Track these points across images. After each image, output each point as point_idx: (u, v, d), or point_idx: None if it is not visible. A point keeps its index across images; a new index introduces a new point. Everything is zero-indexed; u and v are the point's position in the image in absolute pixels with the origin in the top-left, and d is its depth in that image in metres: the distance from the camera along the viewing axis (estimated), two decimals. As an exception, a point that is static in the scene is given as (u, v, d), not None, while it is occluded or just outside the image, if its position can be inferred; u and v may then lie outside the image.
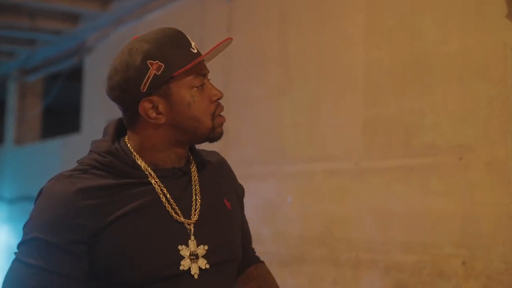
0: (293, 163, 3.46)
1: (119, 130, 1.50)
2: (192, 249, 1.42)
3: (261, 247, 3.56)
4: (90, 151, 1.47)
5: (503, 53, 2.61)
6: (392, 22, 3.04)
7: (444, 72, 2.82)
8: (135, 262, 1.37)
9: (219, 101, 1.49)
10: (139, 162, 1.45)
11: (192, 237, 1.43)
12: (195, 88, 1.44)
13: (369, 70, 3.13)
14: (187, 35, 1.48)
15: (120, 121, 1.51)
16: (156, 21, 4.71)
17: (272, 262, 3.46)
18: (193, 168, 1.52)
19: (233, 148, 3.80)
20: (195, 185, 1.50)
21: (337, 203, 3.21)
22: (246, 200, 3.87)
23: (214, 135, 1.48)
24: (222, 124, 1.49)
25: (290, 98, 3.52)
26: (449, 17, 2.83)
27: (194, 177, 1.51)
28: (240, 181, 4.01)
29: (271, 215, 3.55)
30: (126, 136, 1.49)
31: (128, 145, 1.47)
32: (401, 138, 2.96)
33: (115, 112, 1.53)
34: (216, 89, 1.48)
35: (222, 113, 1.50)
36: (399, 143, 2.96)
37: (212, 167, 1.58)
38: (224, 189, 1.59)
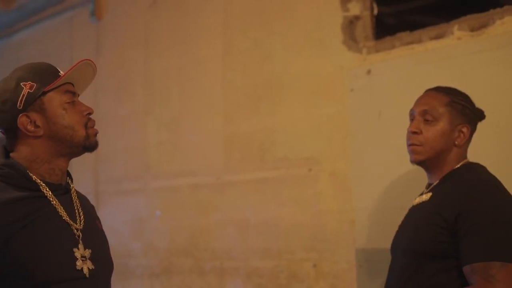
0: (159, 179, 3.63)
1: (6, 152, 1.70)
2: (82, 251, 1.63)
3: (133, 261, 3.74)
4: None
5: (340, 75, 2.92)
6: (246, 45, 3.29)
7: (291, 93, 3.09)
8: (40, 265, 1.55)
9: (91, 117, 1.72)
10: (30, 174, 1.63)
11: (81, 242, 1.65)
12: (66, 104, 1.67)
13: (226, 91, 3.37)
14: (53, 65, 1.73)
15: (4, 147, 1.71)
16: (24, 41, 4.74)
17: (144, 275, 3.63)
18: (73, 189, 1.75)
19: (103, 167, 3.92)
20: (76, 202, 1.72)
21: (201, 216, 3.41)
22: (118, 216, 4.00)
23: (90, 143, 1.69)
24: (95, 134, 1.71)
25: (154, 118, 3.70)
26: (295, 42, 3.11)
27: (74, 195, 1.73)
28: (111, 198, 4.15)
29: (140, 230, 3.70)
30: (11, 157, 1.68)
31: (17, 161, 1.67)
32: (256, 153, 3.21)
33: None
34: (87, 105, 1.72)
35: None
36: (255, 158, 3.21)
37: (82, 196, 1.81)
38: (94, 214, 1.84)
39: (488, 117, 2.34)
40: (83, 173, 3.86)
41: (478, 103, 2.20)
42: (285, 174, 3.09)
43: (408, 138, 2.13)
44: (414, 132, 2.10)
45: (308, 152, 3.01)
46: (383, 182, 2.76)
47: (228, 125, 3.34)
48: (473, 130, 2.13)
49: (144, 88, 3.78)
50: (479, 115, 2.15)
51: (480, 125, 2.23)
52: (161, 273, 3.57)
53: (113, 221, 3.74)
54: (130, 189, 3.77)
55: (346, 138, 2.88)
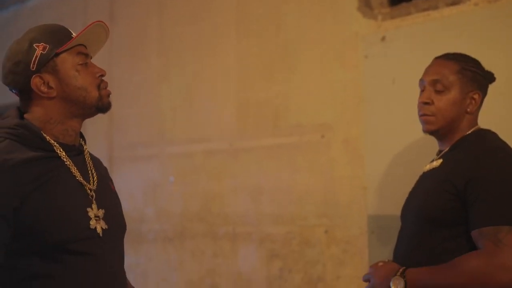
0: (173, 145, 3.66)
1: (20, 114, 1.71)
2: (95, 211, 1.66)
3: (146, 225, 3.78)
4: None
5: (355, 42, 2.90)
6: (260, 11, 3.28)
7: (305, 59, 3.09)
8: (56, 224, 1.57)
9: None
10: (44, 135, 1.65)
11: (94, 201, 1.68)
12: (78, 65, 1.69)
13: (240, 57, 3.36)
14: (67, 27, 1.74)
15: (18, 108, 1.72)
16: (38, 6, 4.74)
17: (157, 239, 3.67)
18: (86, 151, 1.78)
19: (117, 132, 3.94)
20: (89, 163, 1.76)
21: (215, 181, 3.44)
22: (131, 181, 4.02)
23: (103, 104, 1.71)
24: (108, 95, 1.74)
25: (168, 84, 3.71)
26: (309, 9, 3.09)
27: (87, 156, 1.77)
28: (124, 163, 4.18)
29: (154, 195, 3.74)
30: (25, 118, 1.69)
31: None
32: (269, 119, 3.22)
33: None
34: (99, 67, 1.74)
35: None
36: (268, 124, 3.22)
37: (95, 158, 1.84)
38: (107, 175, 1.87)
39: (504, 84, 2.34)
40: (97, 139, 3.89)
41: (495, 70, 2.18)
42: (298, 141, 3.10)
43: (420, 109, 2.12)
44: (426, 103, 2.09)
45: (322, 118, 3.02)
46: (396, 149, 2.76)
47: (242, 92, 3.35)
48: (484, 95, 2.13)
49: (158, 54, 3.79)
50: (490, 78, 2.14)
51: (495, 91, 2.22)
52: (174, 237, 3.61)
53: (126, 186, 3.78)
54: (144, 154, 3.80)
55: (360, 105, 2.88)
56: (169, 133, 3.70)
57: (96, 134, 3.88)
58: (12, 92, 1.74)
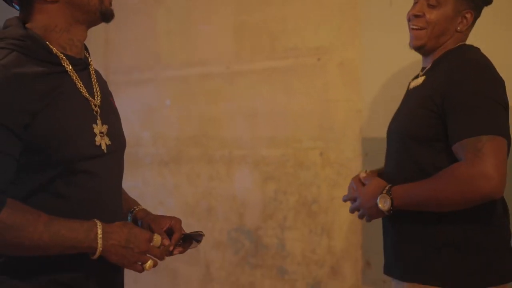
0: (169, 69, 3.65)
1: (22, 23, 1.65)
2: (100, 127, 1.66)
3: (142, 149, 3.79)
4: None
5: (353, -37, 2.86)
6: None
7: (303, -19, 3.05)
8: (63, 142, 1.56)
9: None
10: (51, 47, 1.62)
11: (99, 117, 1.68)
12: None
13: (237, -21, 3.32)
14: None
15: (18, 17, 1.66)
16: None
17: (153, 162, 3.70)
18: (91, 66, 1.76)
19: (113, 57, 3.92)
20: (93, 78, 1.74)
21: (211, 105, 3.44)
22: (127, 106, 4.00)
23: (106, 8, 1.67)
24: (110, 3, 1.69)
25: (165, 7, 3.66)
26: None
27: (91, 71, 1.75)
28: (121, 87, 4.16)
29: (150, 119, 3.75)
30: (28, 28, 1.62)
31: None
32: (266, 42, 3.20)
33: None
34: None
35: None
36: (265, 47, 3.21)
37: (96, 71, 1.82)
38: (107, 90, 1.85)
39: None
40: (93, 64, 3.86)
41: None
42: (295, 64, 3.09)
43: (410, 22, 2.12)
44: (417, 15, 2.09)
45: (318, 41, 3.01)
46: (391, 72, 2.77)
47: (239, 14, 3.32)
48: (477, 15, 2.11)
49: (154, -24, 3.73)
50: (485, 0, 2.12)
51: (494, 15, 2.20)
52: (170, 161, 3.64)
53: (123, 110, 3.70)
54: (140, 79, 3.80)
55: (356, 27, 2.87)
56: (165, 56, 3.68)
57: (92, 58, 3.85)
58: (11, 4, 1.69)
